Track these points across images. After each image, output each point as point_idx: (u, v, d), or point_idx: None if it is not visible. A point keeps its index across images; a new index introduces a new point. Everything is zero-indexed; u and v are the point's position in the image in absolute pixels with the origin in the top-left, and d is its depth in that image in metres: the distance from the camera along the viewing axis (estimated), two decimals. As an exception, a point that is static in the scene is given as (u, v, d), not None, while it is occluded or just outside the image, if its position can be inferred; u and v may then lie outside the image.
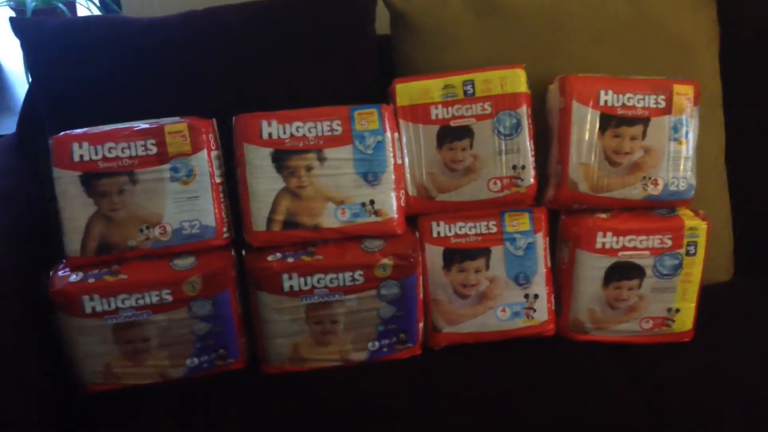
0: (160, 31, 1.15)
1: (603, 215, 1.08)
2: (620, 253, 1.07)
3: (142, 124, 1.02)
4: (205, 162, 1.02)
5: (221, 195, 1.05)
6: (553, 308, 1.12)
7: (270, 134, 1.03)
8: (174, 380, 1.04)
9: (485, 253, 1.08)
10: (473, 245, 1.08)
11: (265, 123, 1.03)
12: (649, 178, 1.07)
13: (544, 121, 1.13)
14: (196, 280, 1.01)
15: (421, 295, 1.08)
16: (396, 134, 1.06)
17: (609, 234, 1.06)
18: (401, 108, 1.07)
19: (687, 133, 1.08)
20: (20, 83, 2.01)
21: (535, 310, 1.10)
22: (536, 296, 1.09)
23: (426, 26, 1.17)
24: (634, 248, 1.07)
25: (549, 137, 1.12)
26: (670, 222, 1.07)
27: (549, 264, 1.11)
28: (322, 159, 1.03)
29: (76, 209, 1.01)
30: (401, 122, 1.07)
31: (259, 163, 1.02)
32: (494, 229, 1.08)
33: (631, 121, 1.07)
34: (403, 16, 1.18)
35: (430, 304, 1.10)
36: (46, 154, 1.02)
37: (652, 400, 0.99)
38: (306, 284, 1.02)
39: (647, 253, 1.07)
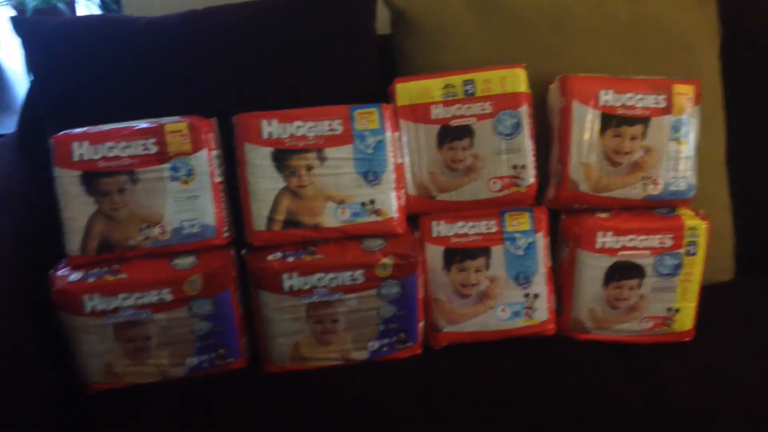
0: (160, 30, 1.15)
1: (603, 215, 1.08)
2: (620, 253, 1.07)
3: (142, 124, 1.02)
4: (205, 161, 1.02)
5: (221, 194, 1.05)
6: (554, 308, 1.12)
7: (270, 134, 1.03)
8: (175, 379, 1.04)
9: (485, 252, 1.08)
10: (473, 245, 1.08)
11: (265, 122, 1.03)
12: (650, 178, 1.07)
13: (544, 120, 1.13)
14: (196, 280, 1.01)
15: (422, 295, 1.08)
16: (396, 134, 1.06)
17: (609, 234, 1.06)
18: (401, 107, 1.07)
19: (687, 132, 1.08)
20: (20, 83, 2.02)
21: (535, 310, 1.10)
22: (536, 296, 1.09)
23: (426, 26, 1.17)
24: (635, 248, 1.07)
25: (549, 137, 1.12)
26: (670, 222, 1.07)
27: (549, 263, 1.11)
28: (322, 158, 1.03)
29: (76, 208, 1.01)
30: (401, 122, 1.07)
31: (259, 162, 1.02)
32: (494, 229, 1.08)
33: (631, 121, 1.07)
34: (404, 15, 1.18)
35: (430, 304, 1.10)
36: (46, 154, 1.02)
37: (652, 400, 0.99)
38: (306, 284, 1.02)
39: (647, 252, 1.07)
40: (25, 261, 1.04)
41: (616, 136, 1.07)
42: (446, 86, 1.07)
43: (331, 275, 1.02)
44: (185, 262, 1.02)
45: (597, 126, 1.06)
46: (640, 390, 1.01)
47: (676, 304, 1.09)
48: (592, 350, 1.09)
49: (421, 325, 1.09)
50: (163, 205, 1.01)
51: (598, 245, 1.07)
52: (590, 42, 1.17)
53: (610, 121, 1.07)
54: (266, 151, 1.02)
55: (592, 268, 1.08)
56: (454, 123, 1.07)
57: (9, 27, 1.15)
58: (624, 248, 1.07)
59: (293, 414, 0.98)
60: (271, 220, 1.03)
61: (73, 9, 1.88)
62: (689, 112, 1.08)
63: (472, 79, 1.07)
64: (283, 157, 1.03)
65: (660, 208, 1.10)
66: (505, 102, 1.06)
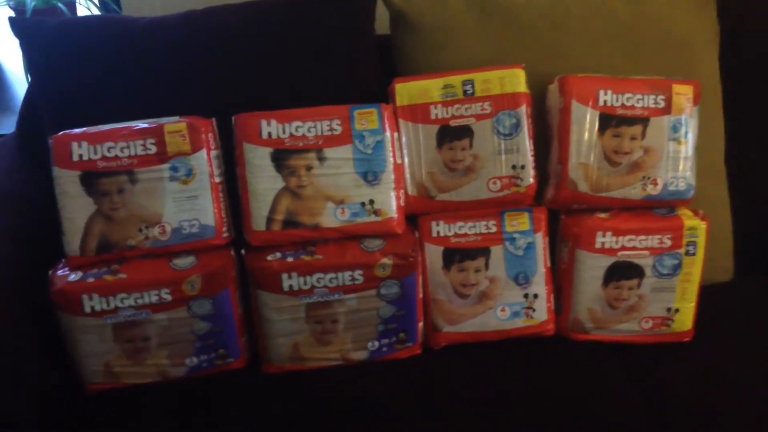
0: (160, 31, 1.15)
1: (603, 215, 1.08)
2: (620, 253, 1.07)
3: (142, 124, 1.02)
4: (205, 161, 1.02)
5: (221, 194, 1.05)
6: (553, 308, 1.12)
7: (270, 134, 1.03)
8: (174, 380, 1.04)
9: (485, 252, 1.08)
10: (473, 245, 1.08)
11: (264, 122, 1.03)
12: (649, 178, 1.07)
13: (543, 120, 1.13)
14: (195, 280, 1.01)
15: (421, 295, 1.08)
16: (396, 134, 1.06)
17: (609, 234, 1.06)
18: (401, 108, 1.08)
19: (686, 133, 1.08)
20: (20, 83, 2.02)
21: (534, 310, 1.10)
22: (536, 296, 1.09)
23: (426, 26, 1.17)
24: (634, 248, 1.07)
25: (549, 137, 1.12)
26: (669, 222, 1.07)
27: (549, 264, 1.11)
28: (321, 158, 1.03)
29: (75, 209, 1.01)
30: (401, 122, 1.07)
31: (258, 162, 1.02)
32: (494, 229, 1.08)
33: (630, 121, 1.07)
34: (403, 15, 1.18)
35: (429, 304, 1.10)
36: (45, 154, 1.02)
37: (651, 400, 0.99)
38: (306, 284, 1.02)
39: (647, 252, 1.07)
40: (25, 261, 1.04)
41: (615, 136, 1.07)
42: (445, 86, 1.07)
43: (330, 275, 1.02)
44: (184, 262, 1.02)
45: (596, 126, 1.07)
46: (640, 390, 1.01)
47: (675, 305, 1.09)
48: (591, 350, 1.09)
49: (420, 325, 1.09)
50: (162, 205, 1.01)
51: (597, 245, 1.07)
52: (590, 42, 1.17)
53: (610, 121, 1.07)
54: (266, 151, 1.02)
55: (591, 268, 1.08)
56: (454, 123, 1.07)
57: (9, 27, 1.15)
58: (623, 248, 1.07)
59: (293, 414, 0.98)
60: (270, 220, 1.03)
61: (73, 9, 1.88)
62: (688, 112, 1.08)
63: (471, 79, 1.07)
64: (282, 157, 1.03)
65: (659, 208, 1.10)
66: (505, 102, 1.06)
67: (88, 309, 0.99)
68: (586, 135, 1.07)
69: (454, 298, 1.09)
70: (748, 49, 1.25)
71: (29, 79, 1.28)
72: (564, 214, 1.12)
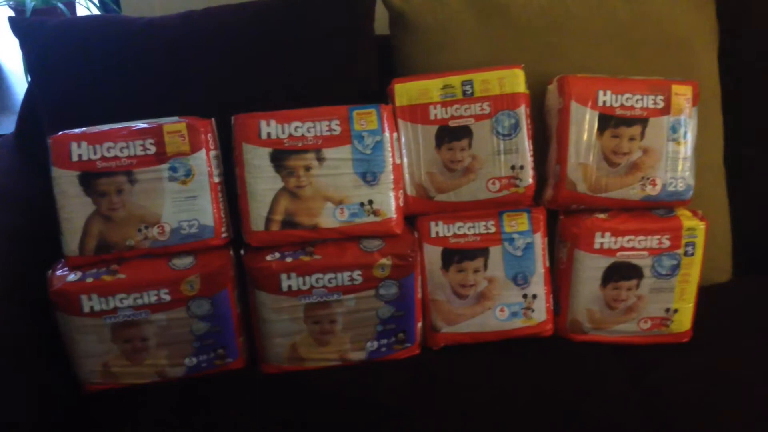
0: (160, 30, 1.15)
1: (601, 215, 1.08)
2: (618, 254, 1.07)
3: (141, 124, 1.02)
4: (204, 162, 1.02)
5: (220, 195, 1.05)
6: (552, 308, 1.12)
7: (269, 134, 1.03)
8: (173, 380, 1.04)
9: (484, 253, 1.08)
10: (472, 245, 1.08)
11: (263, 123, 1.03)
12: (648, 179, 1.07)
13: (542, 121, 1.13)
14: (194, 280, 1.01)
15: (420, 295, 1.08)
16: (395, 134, 1.06)
17: (607, 234, 1.06)
18: (400, 108, 1.08)
19: (685, 133, 1.08)
20: (20, 83, 2.02)
21: (533, 310, 1.10)
22: (534, 296, 1.09)
23: (425, 26, 1.17)
24: (633, 248, 1.07)
25: (548, 137, 1.12)
26: (668, 222, 1.07)
27: (547, 264, 1.11)
28: (320, 159, 1.03)
29: (74, 209, 1.01)
30: (400, 122, 1.07)
31: (257, 162, 1.02)
32: (493, 229, 1.08)
33: (629, 122, 1.07)
34: (403, 15, 1.18)
35: (428, 304, 1.10)
36: (44, 154, 1.02)
37: (650, 400, 0.99)
38: (304, 284, 1.02)
39: (645, 253, 1.07)
40: (24, 261, 1.04)
41: (614, 136, 1.07)
42: (445, 87, 1.07)
43: (329, 276, 1.02)
44: (183, 262, 1.02)
45: (595, 126, 1.07)
46: (638, 390, 1.01)
47: (674, 305, 1.09)
48: (590, 351, 1.09)
49: (419, 325, 1.09)
50: (161, 205, 1.01)
51: (596, 246, 1.07)
52: (589, 42, 1.17)
53: (609, 121, 1.07)
54: (265, 152, 1.02)
55: (590, 269, 1.08)
56: (453, 123, 1.07)
57: (8, 27, 1.15)
58: (622, 249, 1.07)
59: (291, 414, 0.98)
60: (269, 220, 1.03)
61: (72, 9, 1.89)
62: (687, 112, 1.08)
63: (470, 80, 1.07)
64: (281, 157, 1.03)
65: (658, 209, 1.10)
66: (504, 102, 1.06)
67: (86, 309, 0.99)
68: (585, 135, 1.07)
69: (453, 298, 1.09)
70: (748, 49, 1.25)
71: (29, 79, 1.28)
72: (563, 214, 1.12)
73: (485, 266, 1.08)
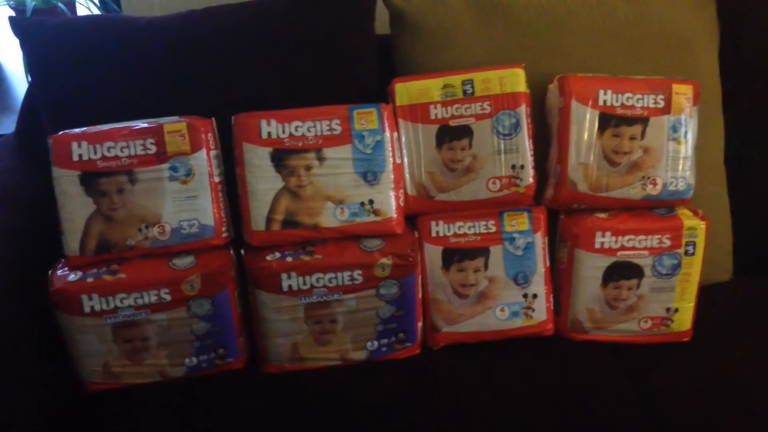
0: (160, 30, 1.15)
1: (602, 215, 1.08)
2: (619, 253, 1.07)
3: (141, 124, 1.02)
4: (204, 161, 1.02)
5: (220, 194, 1.05)
6: (552, 308, 1.12)
7: (269, 133, 1.03)
8: (173, 379, 1.04)
9: (484, 252, 1.08)
10: (472, 245, 1.08)
11: (264, 122, 1.03)
12: (648, 178, 1.07)
13: (543, 120, 1.13)
14: (195, 280, 1.01)
15: (420, 295, 1.08)
16: (395, 134, 1.06)
17: (608, 234, 1.06)
18: (400, 107, 1.08)
19: (686, 132, 1.08)
20: (20, 83, 2.02)
21: (534, 310, 1.10)
22: (535, 296, 1.09)
23: (425, 25, 1.17)
24: (633, 248, 1.07)
25: (548, 137, 1.12)
26: (668, 222, 1.07)
27: (548, 264, 1.11)
28: (321, 158, 1.03)
29: (75, 209, 1.01)
30: (400, 122, 1.07)
31: (258, 162, 1.02)
32: (493, 229, 1.08)
33: (630, 121, 1.07)
34: (403, 15, 1.18)
35: (429, 304, 1.10)
36: (45, 154, 1.02)
37: (650, 400, 0.99)
38: (305, 284, 1.02)
39: (646, 252, 1.07)
40: (24, 261, 1.04)
41: (614, 136, 1.07)
42: (445, 86, 1.07)
43: (329, 275, 1.02)
44: (184, 262, 1.02)
45: (596, 126, 1.07)
46: (638, 390, 1.01)
47: (674, 304, 1.09)
48: (590, 350, 1.09)
49: (419, 325, 1.09)
50: (162, 205, 1.01)
51: (596, 245, 1.07)
52: (589, 42, 1.17)
53: (609, 120, 1.07)
54: (265, 151, 1.02)
55: (590, 268, 1.08)
56: (453, 123, 1.07)
57: (9, 27, 1.15)
58: (623, 248, 1.07)
59: (292, 414, 0.98)
60: (269, 220, 1.03)
61: (73, 9, 1.89)
62: (688, 112, 1.08)
63: (471, 79, 1.07)
64: (282, 157, 1.03)
65: (659, 208, 1.10)
66: (504, 102, 1.06)
67: (87, 309, 0.99)
68: (586, 135, 1.07)
69: (454, 298, 1.09)
70: (748, 49, 1.25)
71: (29, 79, 1.28)
72: (563, 214, 1.12)
73: (486, 266, 1.08)
